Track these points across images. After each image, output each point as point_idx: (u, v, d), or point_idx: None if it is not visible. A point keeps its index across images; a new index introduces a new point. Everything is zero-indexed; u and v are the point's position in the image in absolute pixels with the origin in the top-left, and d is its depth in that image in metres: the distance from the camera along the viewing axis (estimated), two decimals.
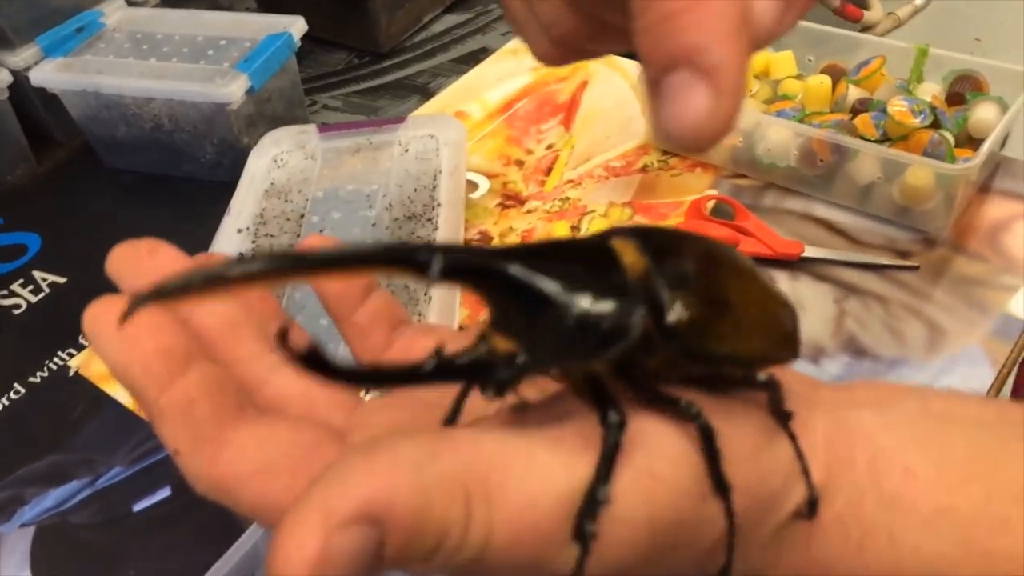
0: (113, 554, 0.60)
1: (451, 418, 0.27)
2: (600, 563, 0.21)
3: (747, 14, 0.21)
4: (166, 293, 0.19)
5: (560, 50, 0.27)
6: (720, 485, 0.22)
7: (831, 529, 0.25)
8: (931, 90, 0.77)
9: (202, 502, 0.67)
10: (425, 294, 0.58)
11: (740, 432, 0.24)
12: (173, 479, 0.64)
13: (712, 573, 0.24)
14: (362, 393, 0.29)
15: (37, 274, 0.83)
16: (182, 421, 0.23)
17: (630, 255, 0.23)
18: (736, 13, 0.20)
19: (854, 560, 0.25)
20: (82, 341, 0.75)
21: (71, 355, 0.74)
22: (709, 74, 0.20)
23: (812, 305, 0.68)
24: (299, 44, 0.89)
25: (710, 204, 0.77)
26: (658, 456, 0.22)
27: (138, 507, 0.63)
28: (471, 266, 0.21)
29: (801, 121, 0.75)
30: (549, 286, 0.21)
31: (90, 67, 0.87)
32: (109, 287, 0.27)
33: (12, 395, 0.72)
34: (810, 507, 0.25)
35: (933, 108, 0.73)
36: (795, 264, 0.72)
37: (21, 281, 0.82)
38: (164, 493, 0.63)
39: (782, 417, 0.25)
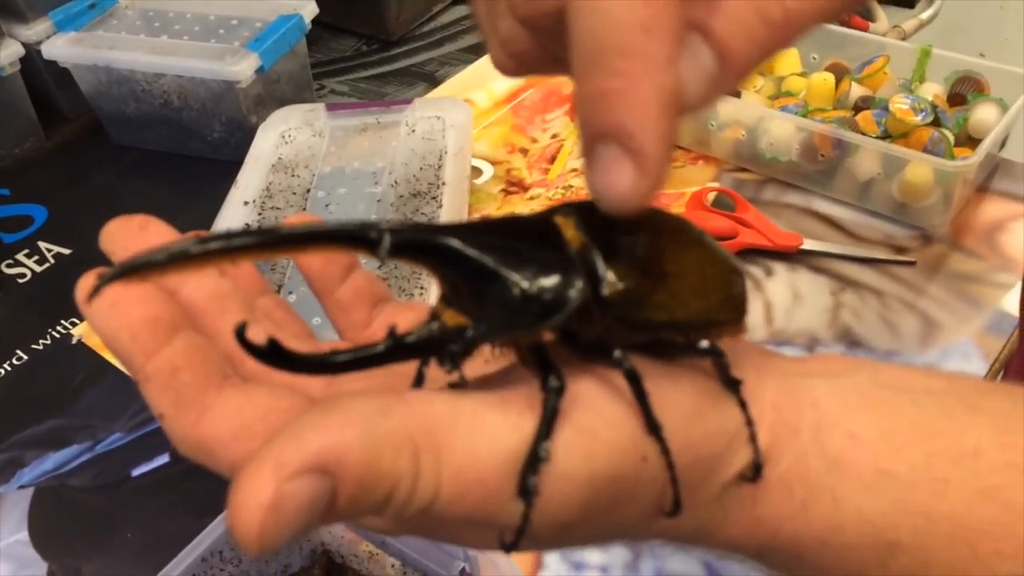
0: (111, 516, 0.61)
1: (416, 382, 0.28)
2: (543, 518, 0.22)
3: (678, 95, 0.22)
4: (133, 268, 0.20)
5: (515, 64, 0.28)
6: (651, 425, 0.23)
7: (776, 489, 0.26)
8: (933, 90, 0.78)
9: (199, 469, 0.68)
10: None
11: (682, 394, 0.25)
12: (172, 446, 0.64)
13: (663, 516, 0.25)
14: None
15: (43, 245, 0.84)
16: (166, 387, 0.24)
17: (570, 230, 0.24)
18: (666, 98, 0.21)
19: (798, 519, 0.26)
20: None
21: (74, 324, 0.75)
22: (634, 155, 0.22)
23: (809, 296, 0.69)
24: (309, 27, 0.90)
25: (711, 196, 0.78)
26: (598, 417, 0.23)
27: (136, 472, 0.63)
28: (419, 243, 0.22)
29: (804, 117, 0.76)
30: (493, 261, 0.22)
31: (102, 42, 0.88)
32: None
33: (15, 361, 0.73)
34: (755, 470, 0.26)
35: (934, 107, 0.74)
36: (794, 256, 0.73)
37: (27, 251, 0.83)
38: (162, 459, 0.64)
39: (730, 383, 0.25)
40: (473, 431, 0.22)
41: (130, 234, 0.27)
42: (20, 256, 0.83)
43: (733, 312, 0.27)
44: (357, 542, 0.51)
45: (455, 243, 0.22)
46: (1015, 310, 0.66)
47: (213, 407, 0.23)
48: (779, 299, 0.69)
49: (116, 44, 0.87)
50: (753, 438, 0.26)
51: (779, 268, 0.72)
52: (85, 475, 0.64)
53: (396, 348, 0.22)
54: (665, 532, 0.26)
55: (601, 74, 0.21)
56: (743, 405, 0.26)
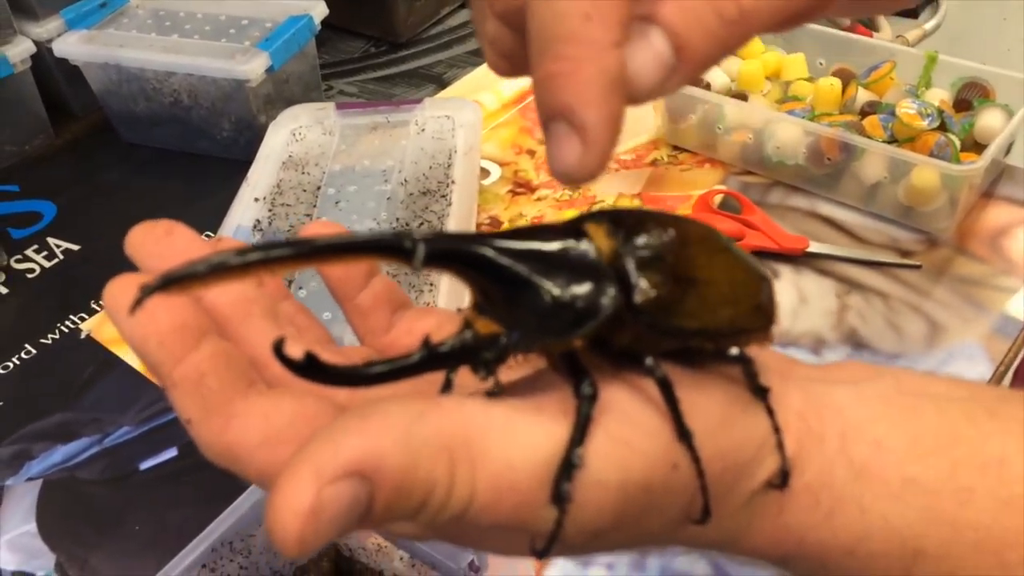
0: (118, 509, 0.61)
1: (444, 388, 0.29)
2: (575, 525, 0.23)
3: (622, 77, 0.23)
4: (173, 280, 0.21)
5: (507, 64, 0.30)
6: (682, 433, 0.24)
7: (802, 498, 0.26)
8: (939, 96, 0.78)
9: (207, 463, 0.67)
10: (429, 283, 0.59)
11: (712, 402, 0.25)
12: (179, 440, 0.65)
13: (691, 524, 0.25)
14: None
15: (52, 241, 0.84)
16: (194, 393, 0.24)
17: (602, 238, 0.24)
18: (607, 80, 0.23)
19: (824, 528, 0.26)
20: (94, 306, 0.76)
21: (83, 319, 0.75)
22: (579, 130, 0.23)
23: (815, 298, 0.70)
24: (319, 28, 0.91)
25: (718, 198, 0.78)
26: (630, 425, 0.24)
27: (144, 465, 0.64)
28: (453, 253, 0.23)
29: (810, 121, 0.77)
30: (527, 270, 0.23)
31: (113, 40, 0.88)
32: (123, 256, 0.28)
33: (23, 355, 0.73)
34: (782, 477, 0.26)
35: (940, 112, 0.74)
36: (799, 259, 0.73)
37: (36, 247, 0.84)
38: (170, 453, 0.64)
39: (758, 391, 0.26)
40: (507, 438, 0.22)
41: (155, 240, 0.27)
42: (29, 252, 0.83)
43: (762, 320, 0.28)
44: (366, 535, 0.51)
45: (488, 252, 0.23)
46: (1019, 314, 0.66)
47: (240, 413, 0.24)
48: (785, 301, 0.70)
49: (127, 42, 0.88)
50: (780, 446, 0.26)
51: (785, 270, 0.72)
52: (93, 468, 0.64)
53: (431, 358, 0.23)
54: (691, 539, 0.26)
55: (550, 59, 0.23)
56: (771, 413, 0.26)
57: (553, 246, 0.24)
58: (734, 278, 0.27)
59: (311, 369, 0.22)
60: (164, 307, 0.24)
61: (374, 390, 0.27)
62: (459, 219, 0.63)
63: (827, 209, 0.77)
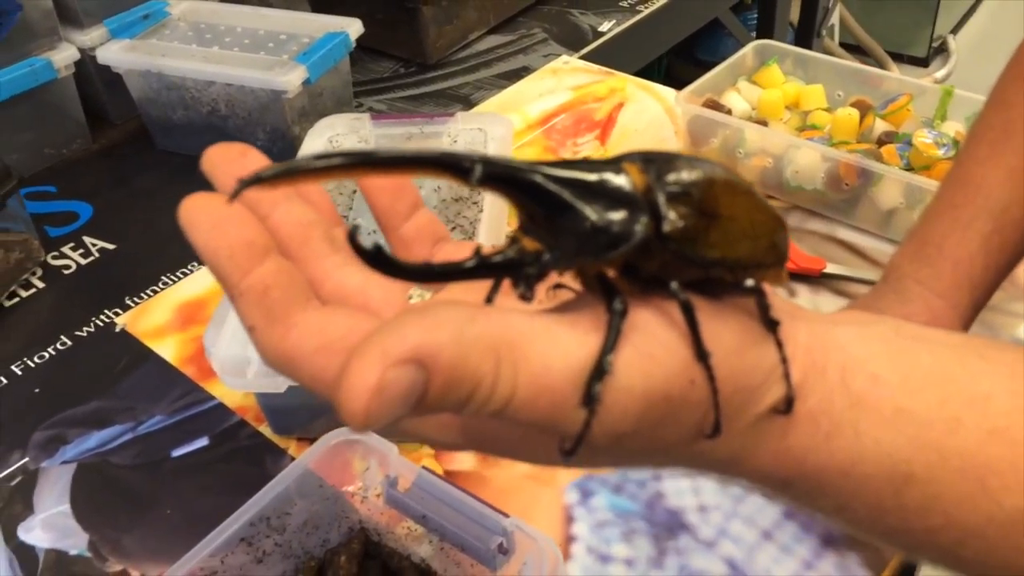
0: (150, 493, 0.63)
1: (489, 298, 0.31)
2: (602, 427, 0.25)
3: None
4: (264, 178, 0.24)
5: None
6: (700, 352, 0.26)
7: (804, 422, 0.28)
8: (954, 128, 0.81)
9: (236, 453, 0.69)
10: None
11: (728, 330, 0.27)
12: (211, 430, 0.66)
13: (703, 438, 0.28)
14: (409, 296, 0.32)
15: (87, 239, 0.86)
16: (258, 303, 0.26)
17: (636, 174, 0.27)
18: None
19: (822, 450, 0.28)
20: (128, 301, 0.79)
21: (117, 314, 0.77)
22: None
23: None
24: (354, 46, 0.94)
25: None
26: (654, 340, 0.26)
27: (176, 453, 0.65)
28: (506, 176, 0.25)
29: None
30: (570, 196, 0.25)
31: (155, 50, 0.91)
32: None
33: (59, 346, 0.75)
34: (787, 404, 0.28)
35: (956, 142, 0.77)
36: (817, 279, 0.75)
37: (72, 244, 0.86)
38: (202, 442, 0.66)
39: (769, 324, 0.28)
40: (546, 344, 0.25)
41: (231, 159, 0.29)
42: (66, 249, 0.85)
43: (776, 256, 0.30)
44: (396, 520, 0.53)
45: (537, 178, 0.25)
46: None
47: (298, 324, 0.26)
48: None
49: (168, 52, 0.91)
50: (787, 375, 0.28)
51: (803, 290, 0.74)
52: (126, 454, 0.66)
53: (481, 266, 0.25)
54: (703, 454, 0.28)
55: None
56: (780, 345, 0.28)
57: (593, 177, 0.26)
58: (753, 217, 0.29)
59: (378, 259, 0.24)
60: (235, 223, 0.26)
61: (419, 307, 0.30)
62: (490, 225, 0.65)
63: (844, 233, 0.79)
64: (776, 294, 0.30)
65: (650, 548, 0.58)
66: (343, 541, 0.54)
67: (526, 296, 0.25)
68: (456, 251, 0.33)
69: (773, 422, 0.28)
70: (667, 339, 0.26)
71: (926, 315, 0.56)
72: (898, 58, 2.53)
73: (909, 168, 0.78)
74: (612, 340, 0.25)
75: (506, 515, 0.49)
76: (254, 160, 0.30)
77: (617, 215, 0.26)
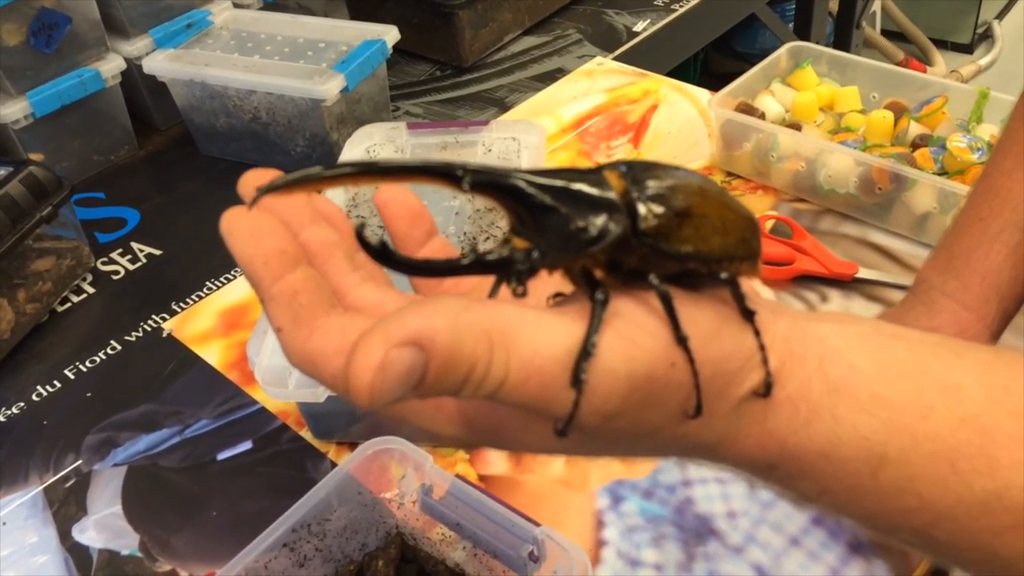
0: (197, 495, 0.66)
1: (491, 296, 0.34)
2: (589, 406, 0.27)
3: None
4: (280, 185, 0.27)
5: None
6: (679, 336, 0.28)
7: (783, 407, 0.30)
8: (989, 131, 0.81)
9: (279, 456, 0.71)
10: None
11: (705, 317, 0.30)
12: (254, 434, 0.69)
13: (687, 419, 0.30)
14: None
15: (135, 245, 0.89)
16: (287, 306, 0.28)
17: (615, 179, 0.29)
18: None
19: (802, 433, 0.30)
20: (175, 307, 0.81)
21: (164, 319, 0.80)
22: None
23: None
24: (391, 52, 0.96)
25: (769, 223, 0.81)
26: (635, 326, 0.28)
27: (222, 456, 0.68)
28: (494, 182, 0.27)
29: (862, 152, 0.79)
30: (553, 199, 0.28)
31: (199, 59, 0.94)
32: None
33: (109, 351, 0.78)
34: (766, 387, 0.30)
35: (991, 145, 0.76)
36: (849, 284, 0.75)
37: (120, 250, 0.89)
38: (246, 446, 0.68)
39: (746, 313, 0.30)
40: (536, 330, 0.27)
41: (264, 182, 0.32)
42: (114, 255, 0.88)
43: (747, 250, 0.32)
44: (431, 525, 0.55)
45: (523, 184, 0.28)
46: None
47: (322, 327, 0.28)
48: None
49: (211, 62, 0.93)
50: (765, 361, 0.30)
51: (834, 295, 0.75)
52: (174, 456, 0.68)
53: (477, 263, 0.28)
54: (689, 437, 0.30)
55: None
56: (756, 332, 0.30)
57: (576, 182, 0.28)
58: (723, 215, 0.32)
59: (383, 254, 0.27)
60: (270, 233, 0.29)
61: None
62: None
63: (877, 237, 0.80)
64: (760, 296, 0.32)
65: (679, 553, 0.59)
66: (381, 545, 0.56)
67: (517, 291, 0.28)
68: (467, 278, 0.36)
69: (754, 406, 0.30)
70: (648, 324, 0.28)
71: (954, 327, 0.56)
72: (942, 45, 2.49)
73: (943, 172, 0.77)
74: (595, 325, 0.28)
75: (537, 524, 0.51)
76: None
77: (597, 214, 0.28)
